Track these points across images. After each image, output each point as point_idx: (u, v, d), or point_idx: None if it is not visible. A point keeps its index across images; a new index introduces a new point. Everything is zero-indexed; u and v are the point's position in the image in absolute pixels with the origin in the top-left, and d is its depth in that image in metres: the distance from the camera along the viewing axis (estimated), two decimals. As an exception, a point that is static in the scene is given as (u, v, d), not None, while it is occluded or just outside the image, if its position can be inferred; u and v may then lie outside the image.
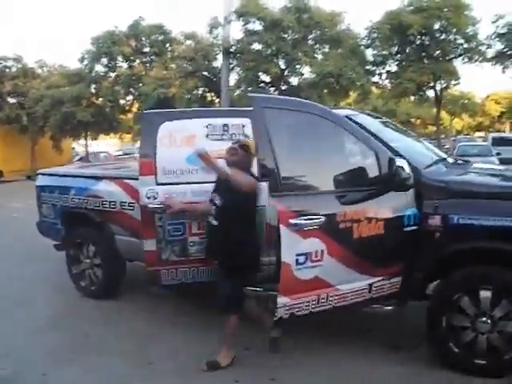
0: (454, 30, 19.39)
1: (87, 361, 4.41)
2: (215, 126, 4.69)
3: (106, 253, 5.88)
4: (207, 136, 4.65)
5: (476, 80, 72.04)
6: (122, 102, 24.36)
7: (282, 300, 3.71)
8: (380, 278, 3.94)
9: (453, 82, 20.75)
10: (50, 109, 24.41)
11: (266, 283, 4.57)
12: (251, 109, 4.11)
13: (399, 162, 3.83)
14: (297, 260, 3.65)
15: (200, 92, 22.43)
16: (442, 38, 19.92)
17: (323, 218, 3.69)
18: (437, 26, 19.39)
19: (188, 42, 22.52)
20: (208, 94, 22.97)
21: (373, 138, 4.06)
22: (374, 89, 21.54)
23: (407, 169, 3.87)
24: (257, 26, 19.70)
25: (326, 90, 19.15)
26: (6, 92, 28.24)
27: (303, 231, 3.65)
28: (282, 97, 4.54)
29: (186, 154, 4.48)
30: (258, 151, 4.11)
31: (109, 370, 4.23)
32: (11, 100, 29.38)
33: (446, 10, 18.55)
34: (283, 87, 20.62)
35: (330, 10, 19.82)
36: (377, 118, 5.63)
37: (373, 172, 3.89)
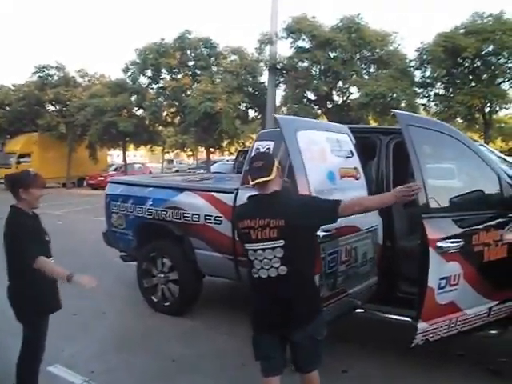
0: (505, 53, 19.01)
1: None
2: (333, 141, 4.21)
3: (185, 268, 5.60)
4: (332, 151, 4.13)
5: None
6: (163, 113, 24.19)
7: (421, 326, 3.65)
8: (497, 302, 3.91)
9: (506, 106, 20.35)
10: (91, 118, 24.46)
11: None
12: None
13: None
14: (439, 284, 3.55)
15: (243, 108, 22.20)
16: (493, 61, 19.55)
17: (462, 241, 3.61)
18: (489, 49, 19.01)
19: (233, 57, 22.41)
20: (250, 110, 22.79)
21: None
22: (422, 111, 21.14)
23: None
24: (306, 43, 19.54)
25: (373, 111, 18.88)
26: (48, 100, 28.51)
27: (447, 254, 3.56)
28: (423, 116, 4.37)
29: (326, 171, 3.94)
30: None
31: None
32: (52, 108, 29.69)
33: (500, 32, 18.18)
34: (329, 106, 20.35)
35: (379, 29, 19.61)
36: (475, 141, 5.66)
37: (495, 194, 3.97)
